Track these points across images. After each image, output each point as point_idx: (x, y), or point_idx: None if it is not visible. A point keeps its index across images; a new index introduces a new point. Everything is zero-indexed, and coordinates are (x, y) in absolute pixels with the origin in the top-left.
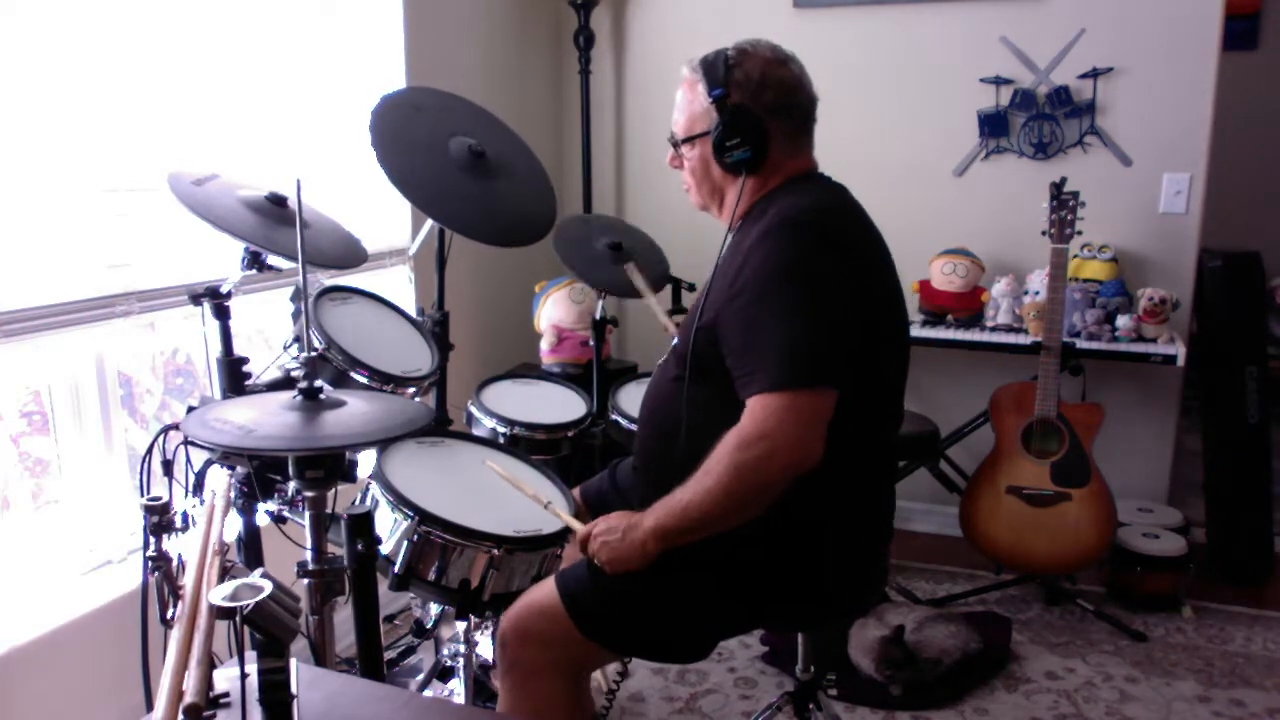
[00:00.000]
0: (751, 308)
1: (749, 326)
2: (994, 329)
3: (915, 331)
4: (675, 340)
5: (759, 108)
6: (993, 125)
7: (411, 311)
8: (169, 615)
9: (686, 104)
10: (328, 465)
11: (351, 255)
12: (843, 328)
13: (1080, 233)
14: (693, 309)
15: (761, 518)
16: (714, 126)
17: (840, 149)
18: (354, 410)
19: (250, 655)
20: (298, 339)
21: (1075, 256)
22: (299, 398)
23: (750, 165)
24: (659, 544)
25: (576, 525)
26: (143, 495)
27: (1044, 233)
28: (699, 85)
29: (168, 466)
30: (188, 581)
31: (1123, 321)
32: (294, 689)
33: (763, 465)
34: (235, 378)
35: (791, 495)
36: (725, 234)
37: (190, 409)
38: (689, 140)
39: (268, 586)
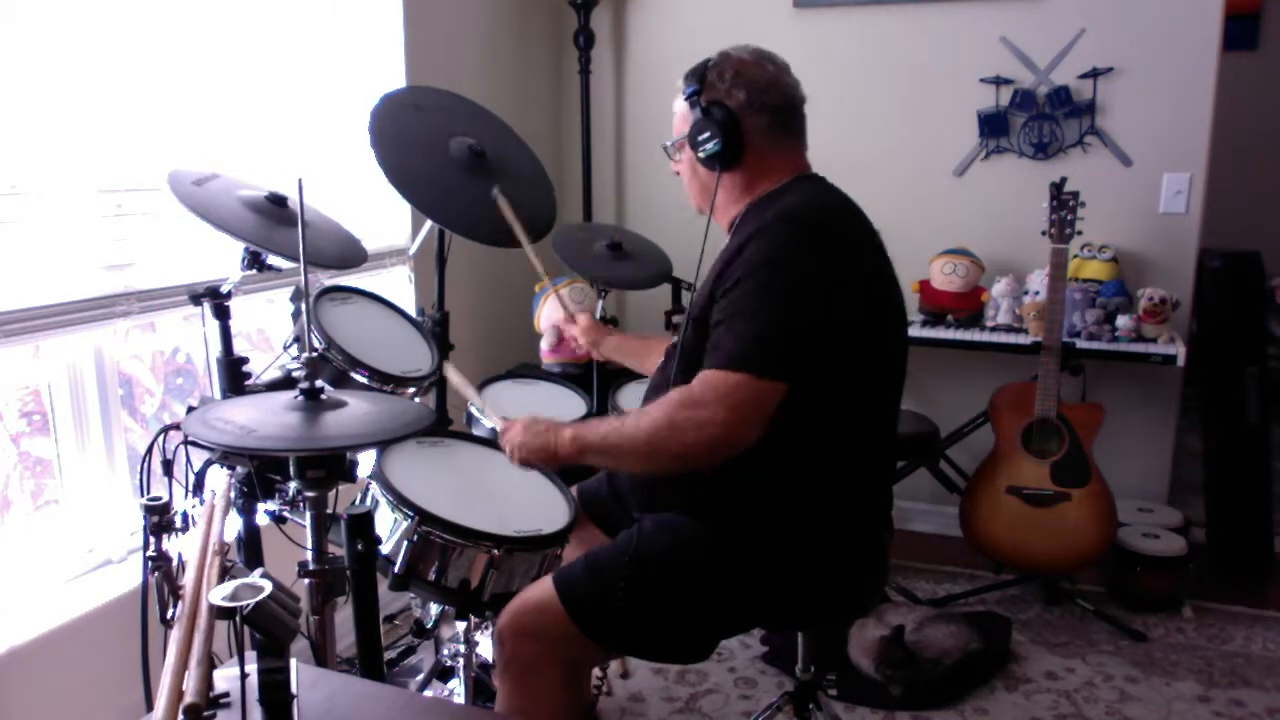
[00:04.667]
0: (733, 293)
1: (727, 309)
2: (994, 329)
3: (915, 331)
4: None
5: (732, 102)
6: (993, 125)
7: (411, 311)
8: (169, 615)
9: (676, 112)
10: (329, 465)
11: (352, 255)
12: (807, 328)
13: (1080, 233)
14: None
15: (755, 515)
16: (691, 125)
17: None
18: (355, 411)
19: (250, 655)
20: (298, 339)
21: (1075, 256)
22: (300, 398)
23: (725, 159)
24: (570, 449)
25: (499, 423)
26: (142, 495)
27: (1044, 233)
28: (682, 91)
29: (168, 466)
30: (188, 581)
31: (1123, 321)
32: (294, 689)
33: (692, 430)
34: (235, 378)
35: (784, 493)
36: (727, 235)
37: (190, 409)
38: (678, 145)
39: (268, 586)
